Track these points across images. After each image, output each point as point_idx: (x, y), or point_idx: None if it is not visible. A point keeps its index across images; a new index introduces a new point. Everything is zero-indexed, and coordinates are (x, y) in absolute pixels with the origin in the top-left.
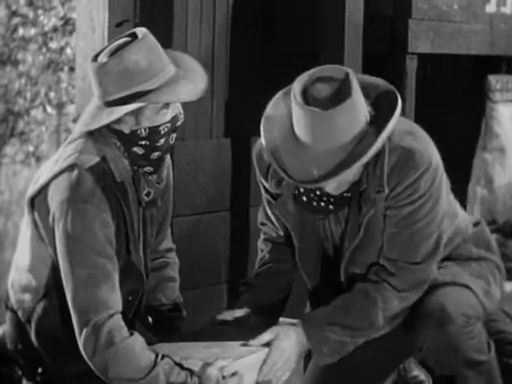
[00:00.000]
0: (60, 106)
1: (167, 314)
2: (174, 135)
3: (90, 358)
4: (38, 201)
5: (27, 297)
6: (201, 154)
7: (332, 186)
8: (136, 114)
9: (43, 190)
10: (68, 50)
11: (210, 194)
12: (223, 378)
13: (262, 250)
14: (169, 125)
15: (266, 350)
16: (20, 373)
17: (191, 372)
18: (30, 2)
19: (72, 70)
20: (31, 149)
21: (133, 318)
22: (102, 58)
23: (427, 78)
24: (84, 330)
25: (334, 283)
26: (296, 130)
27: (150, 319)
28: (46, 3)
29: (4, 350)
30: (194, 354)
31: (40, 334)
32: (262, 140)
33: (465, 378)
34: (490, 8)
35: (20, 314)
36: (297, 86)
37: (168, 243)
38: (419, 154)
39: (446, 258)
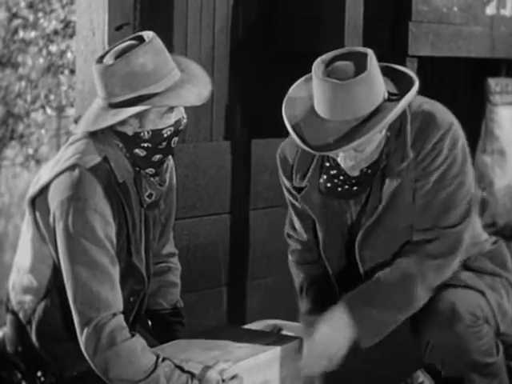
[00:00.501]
0: (60, 109)
1: (167, 318)
2: (176, 139)
3: (90, 358)
4: (38, 201)
5: (28, 298)
6: (201, 156)
7: (349, 164)
8: (140, 116)
9: (44, 190)
10: (68, 53)
11: (210, 197)
12: (223, 381)
13: (297, 276)
14: (172, 128)
15: (267, 352)
16: (20, 376)
17: (192, 375)
18: (30, 4)
19: (72, 72)
20: (31, 151)
21: (134, 319)
22: (108, 60)
23: (427, 81)
24: (85, 329)
25: (357, 271)
26: (316, 105)
27: (150, 323)
28: (46, 6)
29: (4, 352)
30: (194, 356)
31: (41, 335)
32: (284, 117)
33: (472, 382)
34: (490, 10)
35: (21, 315)
36: (318, 62)
37: (171, 248)
38: (440, 115)
39: (462, 268)
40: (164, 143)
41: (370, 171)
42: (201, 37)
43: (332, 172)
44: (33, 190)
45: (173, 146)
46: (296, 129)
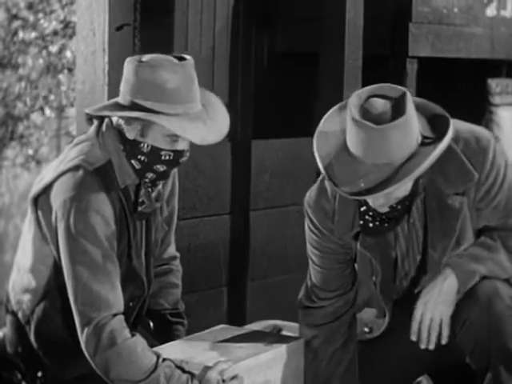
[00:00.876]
0: (60, 110)
1: (168, 318)
2: (174, 169)
3: (91, 357)
4: (41, 200)
5: (26, 298)
6: (201, 157)
7: (379, 202)
8: (144, 124)
9: (47, 189)
10: (68, 54)
11: (210, 198)
12: (223, 381)
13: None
14: (172, 154)
15: (267, 352)
16: (20, 376)
17: (192, 375)
18: (30, 5)
19: (71, 73)
20: (31, 152)
21: (133, 324)
22: (141, 60)
23: (427, 82)
24: (86, 329)
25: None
26: (349, 143)
27: (151, 324)
28: (46, 7)
29: (4, 353)
30: (194, 356)
31: (39, 336)
32: (316, 156)
33: (497, 376)
34: (491, 11)
35: (20, 315)
36: (353, 100)
37: (172, 251)
38: (480, 130)
39: None
40: (159, 166)
41: (399, 207)
42: (201, 37)
43: (362, 209)
44: (36, 188)
45: (168, 174)
46: (329, 170)
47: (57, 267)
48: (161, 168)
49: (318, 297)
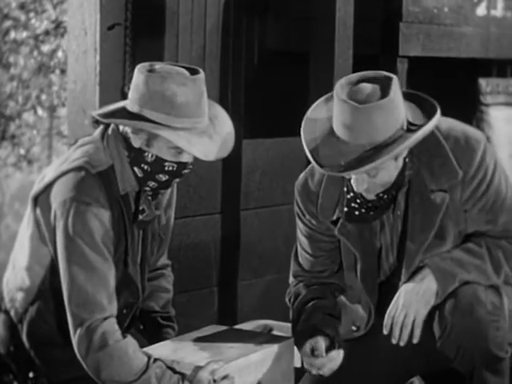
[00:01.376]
0: (51, 109)
1: (159, 321)
2: (177, 180)
3: (83, 359)
4: (41, 198)
5: (20, 296)
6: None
7: (363, 187)
8: (151, 135)
9: (47, 188)
10: (59, 53)
11: (201, 197)
12: (214, 381)
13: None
14: (175, 166)
15: (258, 352)
16: (11, 376)
17: (183, 376)
18: (21, 5)
19: (63, 72)
20: (23, 152)
21: (127, 329)
22: (152, 69)
23: (418, 81)
24: (78, 330)
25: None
26: (334, 125)
27: (142, 326)
28: (37, 6)
29: None
30: (185, 357)
31: (32, 336)
32: (303, 141)
33: (482, 379)
34: (481, 11)
35: (12, 314)
36: (342, 82)
37: (165, 260)
38: (472, 131)
39: None
40: (162, 176)
41: (385, 196)
42: (192, 36)
43: (349, 196)
44: (37, 187)
45: (170, 184)
46: (314, 153)
47: (53, 268)
48: (163, 178)
49: (302, 277)
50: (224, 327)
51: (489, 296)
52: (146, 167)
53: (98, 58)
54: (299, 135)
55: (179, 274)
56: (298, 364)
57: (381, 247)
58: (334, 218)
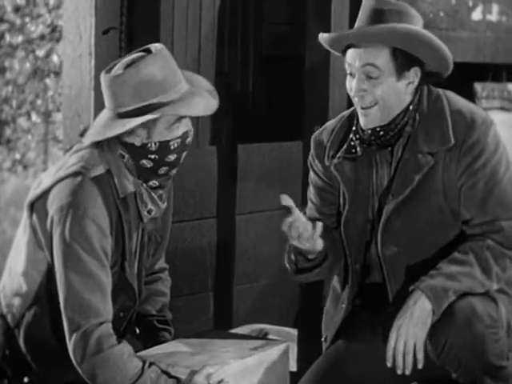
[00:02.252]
0: (47, 114)
1: (155, 324)
2: (185, 154)
3: (78, 364)
4: (37, 205)
5: (17, 301)
6: (187, 161)
7: (360, 94)
8: (149, 126)
9: (44, 195)
10: (55, 58)
11: (196, 202)
12: None
13: None
14: (179, 140)
15: (253, 356)
16: (6, 382)
17: (178, 380)
18: (17, 9)
19: (58, 76)
20: (18, 156)
21: (123, 333)
22: (117, 70)
23: None
24: (74, 335)
25: (377, 269)
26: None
27: (138, 330)
28: (33, 10)
29: None
30: (180, 361)
31: (28, 341)
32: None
33: None
34: (476, 15)
35: (9, 318)
36: None
37: (162, 263)
38: (481, 111)
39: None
40: (171, 156)
41: (382, 134)
42: (187, 41)
43: (351, 135)
44: (33, 193)
45: (181, 160)
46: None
47: (49, 274)
48: (172, 157)
49: None
50: (219, 331)
51: (486, 308)
52: (153, 156)
53: (92, 62)
54: (294, 140)
55: (175, 278)
56: (293, 368)
57: (371, 194)
58: (336, 158)
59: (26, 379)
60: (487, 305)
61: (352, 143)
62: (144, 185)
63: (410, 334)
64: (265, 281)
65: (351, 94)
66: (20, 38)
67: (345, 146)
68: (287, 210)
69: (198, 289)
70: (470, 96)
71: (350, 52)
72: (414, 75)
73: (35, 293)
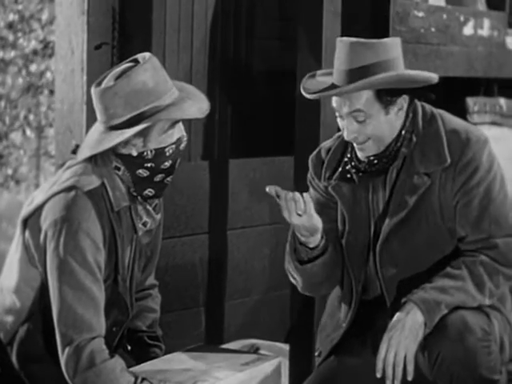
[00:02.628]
0: (39, 130)
1: (146, 340)
2: (179, 160)
3: (70, 378)
4: (31, 221)
5: (10, 319)
6: (178, 176)
7: (351, 136)
8: (144, 135)
9: (37, 211)
10: (48, 73)
11: (188, 217)
12: None
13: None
14: (174, 146)
15: (245, 372)
16: None
17: None
18: (10, 24)
19: (51, 92)
20: (10, 172)
21: (115, 348)
22: (108, 82)
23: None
24: (66, 349)
25: (377, 287)
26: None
27: (129, 347)
28: (25, 26)
29: None
30: (172, 377)
31: (21, 357)
32: (301, 86)
33: None
34: (468, 30)
35: (2, 335)
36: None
37: (152, 280)
38: (476, 130)
39: None
40: (167, 163)
41: (376, 162)
42: (179, 56)
43: (346, 159)
44: (26, 210)
45: (176, 166)
46: (306, 86)
47: (42, 290)
48: (167, 164)
49: None
50: (211, 347)
51: (478, 321)
52: (149, 165)
53: (85, 77)
54: (286, 155)
55: (166, 293)
56: None
57: (369, 216)
58: (333, 179)
59: None
60: (480, 318)
61: (347, 168)
62: (139, 198)
63: (401, 345)
64: (256, 296)
65: (344, 134)
66: (13, 54)
67: (340, 170)
68: (277, 197)
69: (190, 304)
70: (462, 111)
71: (335, 99)
72: (401, 102)
73: (28, 309)
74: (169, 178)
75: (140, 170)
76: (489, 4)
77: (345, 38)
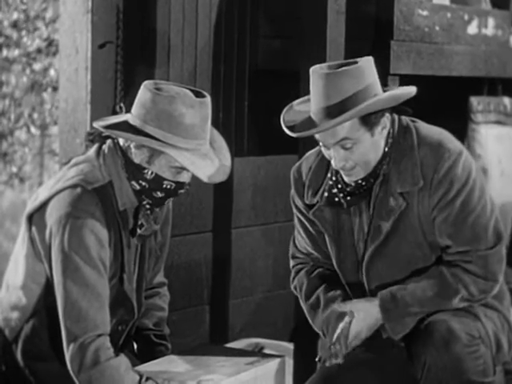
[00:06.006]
0: (43, 128)
1: (152, 339)
2: (171, 199)
3: (75, 375)
4: (36, 217)
5: (15, 315)
6: None
7: (340, 164)
8: (153, 152)
9: (43, 207)
10: (51, 72)
11: (192, 216)
12: None
13: (307, 285)
14: (173, 185)
15: (249, 371)
16: None
17: None
18: (14, 23)
19: (55, 90)
20: (14, 170)
21: (121, 347)
22: (161, 90)
23: (409, 100)
24: (71, 346)
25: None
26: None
27: (135, 345)
28: (29, 25)
29: None
30: (176, 376)
31: (27, 353)
32: (281, 119)
33: None
34: (472, 29)
35: (7, 332)
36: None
37: (161, 278)
38: (449, 142)
39: None
40: (159, 193)
41: (364, 184)
42: (183, 55)
43: (331, 182)
44: (31, 206)
45: (164, 203)
46: (286, 119)
47: (48, 286)
48: (159, 195)
49: (299, 259)
50: (215, 346)
51: (464, 327)
52: (143, 183)
53: (89, 76)
54: (290, 153)
55: (170, 292)
56: (289, 383)
57: (354, 239)
58: (315, 201)
59: None
60: (466, 323)
61: (334, 191)
62: (144, 201)
63: (354, 329)
64: (261, 294)
65: (332, 164)
66: (17, 52)
67: (326, 195)
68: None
69: (194, 303)
70: (466, 110)
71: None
72: (385, 121)
73: (34, 305)
74: (154, 208)
75: (134, 182)
76: (493, 3)
77: (319, 68)
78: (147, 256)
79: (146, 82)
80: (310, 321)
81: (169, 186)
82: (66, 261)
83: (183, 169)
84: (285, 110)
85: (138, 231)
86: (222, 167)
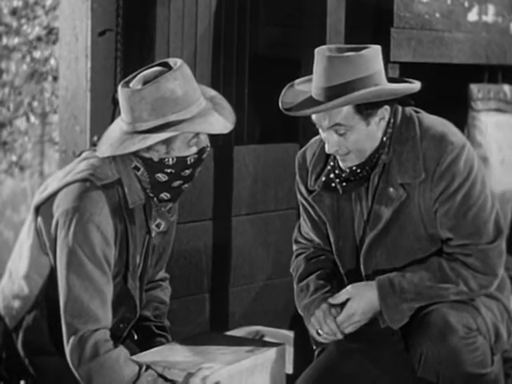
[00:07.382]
0: (43, 116)
1: (153, 330)
2: (200, 169)
3: (75, 368)
4: (43, 208)
5: (17, 304)
6: None
7: (333, 149)
8: (168, 142)
9: (50, 198)
10: (52, 60)
11: (193, 204)
12: None
13: (304, 269)
14: (196, 156)
15: (249, 358)
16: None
17: (174, 383)
18: (13, 11)
19: (55, 79)
20: (14, 158)
21: (121, 344)
22: (136, 85)
23: None
24: (71, 339)
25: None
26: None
27: (136, 336)
28: (29, 12)
29: None
30: (176, 363)
31: (27, 344)
32: (280, 100)
33: None
34: (472, 16)
35: (7, 321)
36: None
37: (163, 273)
38: (452, 134)
39: None
40: (187, 171)
41: (359, 171)
42: (183, 43)
43: (329, 167)
44: (39, 197)
45: (195, 174)
46: (284, 100)
47: (51, 278)
48: (187, 172)
49: (301, 244)
50: (215, 334)
51: (461, 319)
52: (169, 171)
53: (89, 64)
54: (290, 141)
55: (170, 280)
56: (289, 371)
57: (354, 225)
58: (316, 187)
59: (22, 383)
60: (463, 315)
61: (331, 176)
62: (155, 199)
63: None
64: (261, 282)
65: (325, 147)
66: (16, 40)
67: (324, 179)
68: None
69: (194, 291)
70: (466, 97)
71: (314, 114)
72: (383, 112)
73: (36, 296)
74: (186, 185)
75: (159, 174)
76: None
77: (323, 50)
78: (151, 253)
79: (121, 90)
80: (296, 303)
81: (193, 159)
82: (71, 255)
83: (197, 135)
84: (285, 88)
85: (157, 229)
86: (228, 113)
